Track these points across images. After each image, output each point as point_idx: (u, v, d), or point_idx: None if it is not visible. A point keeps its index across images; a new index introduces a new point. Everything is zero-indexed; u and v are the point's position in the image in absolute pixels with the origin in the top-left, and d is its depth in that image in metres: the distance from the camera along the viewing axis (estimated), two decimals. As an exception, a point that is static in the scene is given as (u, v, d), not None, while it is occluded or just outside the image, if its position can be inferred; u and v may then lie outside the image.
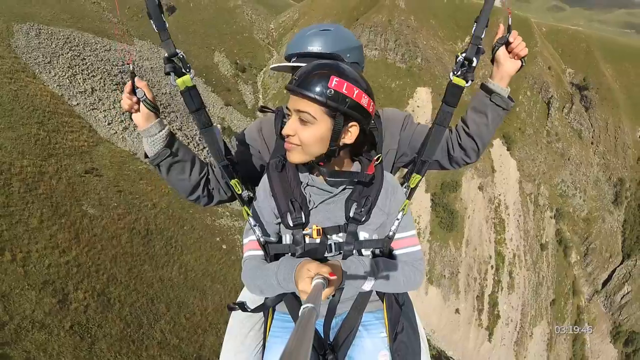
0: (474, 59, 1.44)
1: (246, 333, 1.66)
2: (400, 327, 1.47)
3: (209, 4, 56.59)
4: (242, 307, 1.45)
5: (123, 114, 25.27)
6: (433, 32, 59.50)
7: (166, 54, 1.31)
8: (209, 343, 12.76)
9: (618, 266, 56.80)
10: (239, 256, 16.74)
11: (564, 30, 69.40)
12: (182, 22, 51.25)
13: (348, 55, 1.68)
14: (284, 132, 1.24)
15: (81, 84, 24.86)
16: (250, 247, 1.40)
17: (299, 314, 0.71)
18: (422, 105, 52.83)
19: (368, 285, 1.27)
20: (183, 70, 1.33)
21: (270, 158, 1.61)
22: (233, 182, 1.42)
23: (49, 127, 18.36)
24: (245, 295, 1.72)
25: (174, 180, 1.51)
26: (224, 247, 18.56)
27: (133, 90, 1.34)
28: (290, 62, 1.70)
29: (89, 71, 26.42)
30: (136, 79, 1.33)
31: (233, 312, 1.71)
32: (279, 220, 1.34)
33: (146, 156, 1.46)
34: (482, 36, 1.44)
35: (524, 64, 1.54)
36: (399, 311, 1.49)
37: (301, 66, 1.55)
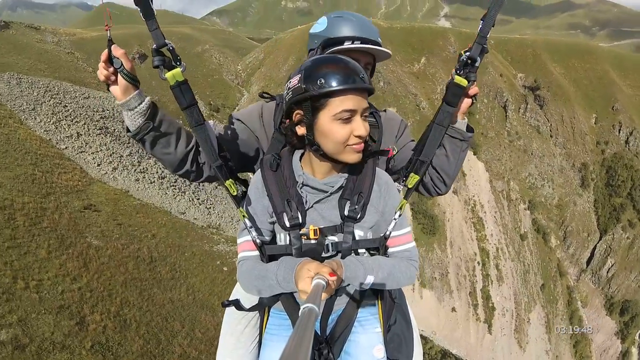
0: (478, 59, 1.38)
1: (242, 330, 1.64)
2: (393, 320, 1.47)
3: (179, 50, 57.14)
4: (237, 305, 1.43)
5: (111, 155, 25.11)
6: (391, 57, 62.07)
7: (154, 45, 1.21)
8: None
9: (597, 243, 58.78)
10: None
11: (510, 39, 73.73)
12: (154, 69, 51.84)
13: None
14: (363, 134, 1.18)
15: (66, 129, 24.77)
16: (246, 247, 1.35)
17: (299, 314, 0.69)
18: (390, 123, 54.66)
19: (367, 284, 1.25)
20: (173, 63, 1.24)
21: (266, 151, 1.57)
22: (228, 183, 1.34)
23: (43, 168, 18.26)
24: (239, 293, 1.68)
25: (159, 155, 1.42)
26: (225, 269, 18.56)
27: (110, 60, 1.22)
28: (353, 42, 1.62)
29: (72, 117, 26.37)
30: (113, 47, 1.21)
31: (228, 309, 1.70)
32: (273, 219, 1.31)
33: (128, 130, 1.35)
34: (488, 35, 1.38)
35: (474, 101, 1.53)
36: (393, 305, 1.49)
37: (386, 52, 1.68)
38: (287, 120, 1.27)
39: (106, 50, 1.21)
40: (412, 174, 1.49)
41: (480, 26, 1.37)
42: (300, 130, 1.22)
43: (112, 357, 10.61)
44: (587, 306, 56.48)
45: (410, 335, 1.51)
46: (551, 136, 63.63)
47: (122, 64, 1.21)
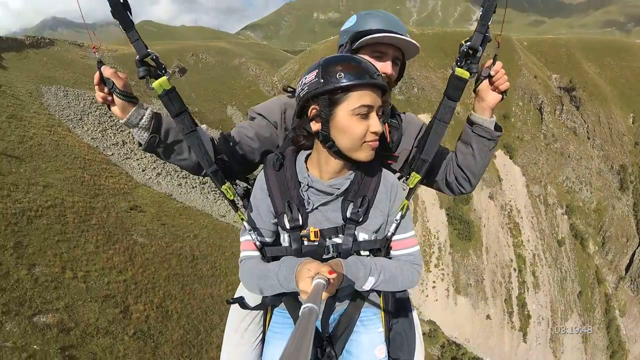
0: (480, 48, 1.31)
1: (245, 327, 1.64)
2: (396, 320, 1.47)
3: (216, 64, 59.29)
4: (241, 303, 1.41)
5: (155, 161, 26.15)
6: (424, 63, 61.72)
7: (137, 57, 1.18)
8: (263, 347, 12.94)
9: (637, 248, 56.01)
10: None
11: (543, 40, 71.69)
12: (193, 82, 53.80)
13: None
14: (380, 130, 1.17)
15: (112, 138, 26.11)
16: (248, 247, 1.35)
17: (299, 314, 0.69)
18: (424, 131, 54.45)
19: (368, 285, 1.24)
20: (158, 72, 1.22)
21: (279, 149, 1.55)
22: (224, 187, 1.32)
23: (91, 172, 19.31)
24: (243, 290, 1.67)
25: (175, 162, 1.42)
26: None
27: (102, 81, 1.21)
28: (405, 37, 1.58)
29: (117, 127, 27.74)
30: (103, 67, 1.20)
31: (233, 305, 1.69)
32: (275, 219, 1.31)
33: (140, 144, 1.35)
34: (489, 23, 1.31)
35: (504, 96, 1.47)
36: (395, 305, 1.48)
37: (414, 44, 1.60)
38: (300, 118, 1.26)
39: (97, 73, 1.20)
40: (413, 174, 1.42)
41: (481, 13, 1.28)
42: (316, 125, 1.20)
43: (154, 345, 11.01)
44: (625, 315, 53.85)
45: (413, 334, 1.50)
46: (588, 138, 61.13)
47: (113, 84, 1.20)
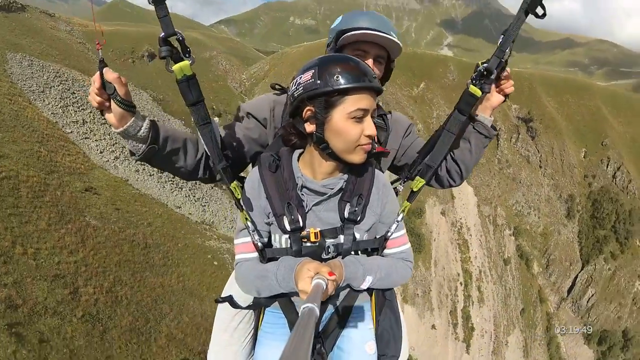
0: (494, 71, 1.39)
1: (235, 326, 1.62)
2: (383, 316, 1.48)
3: (186, 54, 58.26)
4: (231, 302, 1.40)
5: (114, 144, 25.29)
6: (392, 80, 63.23)
7: (162, 34, 1.09)
8: (209, 341, 12.93)
9: (579, 272, 59.32)
10: (229, 271, 17.11)
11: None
12: (161, 69, 52.50)
13: None
14: (374, 133, 1.16)
15: (73, 115, 25.06)
16: (243, 249, 1.32)
17: (299, 314, 0.68)
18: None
19: (366, 283, 1.25)
20: (182, 55, 1.14)
21: (268, 149, 1.53)
22: (233, 185, 1.29)
23: (49, 147, 18.50)
24: (231, 289, 1.62)
25: (171, 170, 1.38)
26: (215, 263, 18.83)
27: (103, 85, 1.10)
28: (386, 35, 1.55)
29: (79, 104, 26.69)
30: (105, 70, 1.08)
31: (220, 305, 1.66)
32: (269, 220, 1.27)
33: (132, 154, 1.27)
34: (507, 50, 1.38)
35: (507, 99, 1.56)
36: (384, 302, 1.49)
37: (396, 43, 1.58)
38: (293, 118, 1.22)
39: (98, 74, 1.09)
40: (417, 178, 1.47)
41: (501, 40, 1.36)
42: (310, 127, 1.17)
43: (102, 329, 10.78)
44: (565, 334, 56.52)
45: (399, 332, 1.52)
46: (540, 166, 64.80)
47: (115, 90, 1.09)
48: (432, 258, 51.72)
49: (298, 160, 1.29)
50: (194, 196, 27.54)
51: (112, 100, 1.11)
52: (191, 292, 15.44)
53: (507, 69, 1.48)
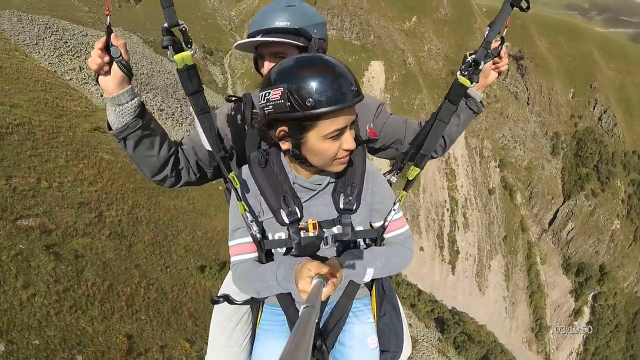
0: (482, 62, 1.37)
1: (233, 327, 1.59)
2: (384, 312, 1.45)
3: (175, -11, 56.02)
4: (228, 299, 1.39)
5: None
6: (383, 13, 61.60)
7: (165, 24, 1.07)
8: (223, 251, 14.56)
9: (560, 206, 62.15)
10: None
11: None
12: (149, 11, 50.75)
13: (315, 31, 1.49)
14: (352, 147, 1.11)
15: (69, 63, 25.30)
16: (239, 251, 1.28)
17: (299, 314, 0.67)
18: (375, 77, 55.64)
19: (368, 276, 1.22)
20: (183, 46, 1.12)
21: (247, 149, 1.49)
22: (231, 175, 1.23)
23: (53, 94, 19.18)
24: (228, 288, 1.62)
25: (141, 157, 1.32)
26: (220, 188, 20.25)
27: (106, 48, 1.12)
28: (255, 38, 1.44)
29: (73, 52, 26.76)
30: (113, 35, 1.11)
31: (216, 307, 1.64)
32: (263, 218, 1.26)
33: (110, 128, 1.25)
34: (493, 41, 1.38)
35: (499, 77, 1.58)
36: (384, 297, 1.47)
37: (266, 41, 1.43)
38: (267, 129, 1.16)
39: (104, 38, 1.11)
40: (412, 167, 1.41)
41: (487, 32, 1.35)
42: (285, 145, 1.14)
43: (128, 243, 12.32)
44: (545, 263, 60.25)
45: (401, 327, 1.51)
46: (528, 103, 65.23)
47: (120, 54, 1.12)
48: (421, 185, 53.62)
49: (285, 155, 1.26)
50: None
51: (116, 63, 1.13)
52: (201, 212, 16.98)
53: (504, 47, 1.51)
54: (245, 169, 1.29)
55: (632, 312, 58.37)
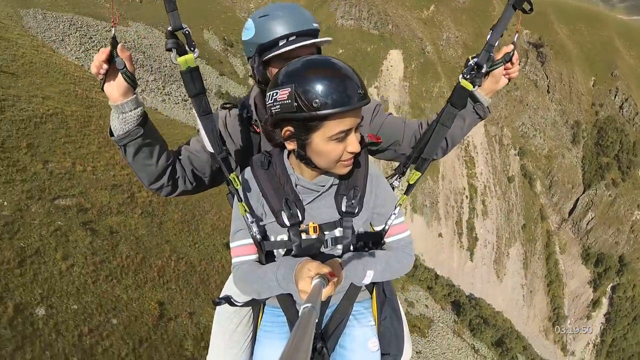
0: (484, 66, 1.36)
1: (234, 328, 1.59)
2: (384, 315, 1.45)
3: (194, -15, 57.06)
4: (229, 301, 1.40)
5: (138, 78, 26.29)
6: (401, 2, 61.09)
7: (170, 28, 1.09)
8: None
9: (580, 196, 60.65)
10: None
11: (520, -4, 72.30)
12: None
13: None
14: (357, 150, 1.10)
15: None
16: (240, 252, 1.28)
17: (299, 315, 0.66)
18: (394, 65, 55.32)
19: (367, 279, 1.21)
20: (186, 48, 1.12)
21: (244, 154, 1.51)
22: (232, 176, 1.23)
23: (82, 87, 19.98)
24: (230, 290, 1.61)
25: (140, 165, 1.33)
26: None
27: (110, 59, 1.13)
28: (288, 41, 1.42)
29: (99, 47, 27.60)
30: (119, 46, 1.12)
31: (218, 307, 1.64)
32: (264, 221, 1.25)
33: (112, 134, 1.26)
34: (496, 44, 1.35)
35: (508, 83, 1.55)
36: (385, 300, 1.47)
37: (326, 41, 1.49)
38: (274, 130, 1.16)
39: (108, 48, 1.12)
40: (414, 171, 1.41)
41: (489, 36, 1.33)
42: (290, 145, 1.14)
43: (159, 221, 12.95)
44: (564, 253, 59.09)
45: (401, 330, 1.49)
46: (548, 92, 63.77)
47: (125, 66, 1.13)
48: (440, 172, 53.36)
49: (288, 156, 1.26)
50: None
51: (121, 74, 1.15)
52: (225, 195, 17.64)
53: (515, 54, 1.48)
54: (247, 170, 1.29)
55: (651, 305, 56.77)
